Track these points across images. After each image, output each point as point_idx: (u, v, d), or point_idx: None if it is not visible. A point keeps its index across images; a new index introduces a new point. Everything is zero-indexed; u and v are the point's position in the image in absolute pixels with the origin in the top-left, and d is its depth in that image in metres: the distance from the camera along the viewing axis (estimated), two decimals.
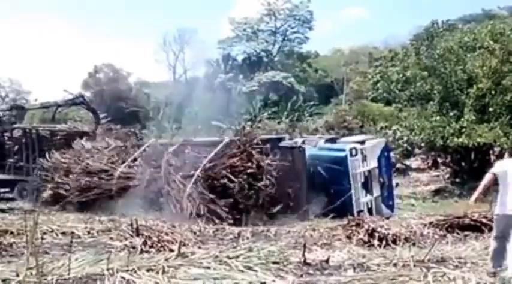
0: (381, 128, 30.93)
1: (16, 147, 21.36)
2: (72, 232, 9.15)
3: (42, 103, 20.25)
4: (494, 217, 7.35)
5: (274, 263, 7.48)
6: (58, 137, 21.36)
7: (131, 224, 9.93)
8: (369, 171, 15.15)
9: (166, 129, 44.64)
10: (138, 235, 9.33)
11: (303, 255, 7.82)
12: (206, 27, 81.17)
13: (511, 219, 6.82)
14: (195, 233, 10.79)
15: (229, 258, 7.46)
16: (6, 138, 21.86)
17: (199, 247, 8.78)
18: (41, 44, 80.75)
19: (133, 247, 8.59)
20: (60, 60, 76.87)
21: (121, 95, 48.36)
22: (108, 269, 6.60)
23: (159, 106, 51.00)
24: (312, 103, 45.68)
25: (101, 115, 41.33)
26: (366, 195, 14.94)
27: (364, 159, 15.09)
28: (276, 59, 54.67)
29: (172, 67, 52.66)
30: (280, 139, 16.26)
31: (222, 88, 50.07)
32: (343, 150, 14.95)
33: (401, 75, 23.42)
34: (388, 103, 33.00)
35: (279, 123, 38.78)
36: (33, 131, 22.09)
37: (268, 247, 8.28)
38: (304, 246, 8.07)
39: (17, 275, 6.45)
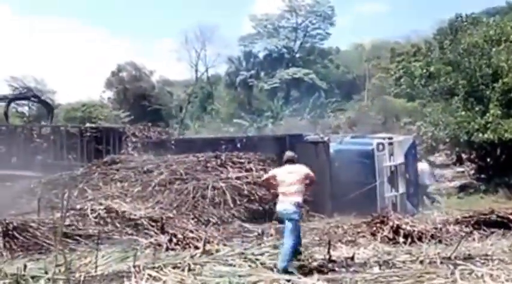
0: (404, 124, 30.68)
1: (45, 145, 21.80)
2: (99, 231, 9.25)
3: None
4: None
5: (298, 260, 7.49)
6: (88, 134, 21.67)
7: (156, 222, 10.04)
8: (396, 167, 15.00)
9: (188, 127, 44.90)
10: (163, 232, 9.43)
11: (328, 252, 7.81)
12: (227, 24, 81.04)
13: None
14: (219, 230, 10.87)
15: (254, 255, 7.49)
16: (35, 135, 22.35)
17: (224, 245, 8.82)
18: (65, 43, 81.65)
19: (159, 245, 8.67)
20: (84, 59, 77.73)
21: (144, 93, 48.66)
22: (134, 267, 6.68)
23: (182, 104, 51.19)
24: (333, 99, 45.45)
25: (124, 114, 41.69)
26: (391, 191, 14.81)
27: (391, 154, 14.97)
28: (297, 55, 54.46)
29: (194, 65, 52.77)
30: (302, 136, 16.28)
31: (243, 85, 50.11)
32: (370, 144, 14.88)
33: (424, 70, 23.09)
34: (411, 98, 32.69)
35: (300, 119, 38.66)
36: (62, 128, 22.62)
37: None
38: (329, 243, 8.06)
39: (46, 273, 6.57)
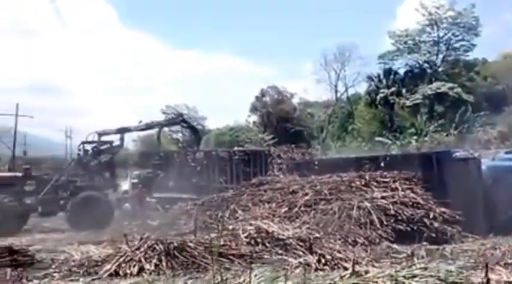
0: None
1: (198, 168, 23.35)
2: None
3: (147, 123, 21.56)
4: None
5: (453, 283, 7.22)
6: (236, 157, 22.80)
7: (304, 242, 10.23)
8: None
9: (330, 147, 45.05)
10: (311, 252, 9.58)
11: (486, 276, 7.44)
12: (365, 43, 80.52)
13: None
14: (366, 251, 10.78)
15: (405, 278, 7.35)
16: (190, 160, 24.02)
17: (373, 266, 8.75)
18: (213, 70, 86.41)
19: (308, 265, 8.82)
20: (230, 85, 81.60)
21: (286, 116, 49.93)
22: None
23: (322, 124, 51.56)
24: (482, 113, 42.93)
25: (269, 136, 43.05)
26: None
27: None
28: (440, 69, 52.38)
29: (334, 85, 53.00)
30: (450, 152, 15.68)
31: (384, 103, 49.24)
32: None
33: None
34: None
35: (447, 135, 37.04)
36: (213, 153, 24.12)
37: (445, 266, 7.98)
38: (486, 266, 7.67)
39: None
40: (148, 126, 21.50)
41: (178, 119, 22.45)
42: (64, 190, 19.30)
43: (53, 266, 9.03)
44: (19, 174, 20.24)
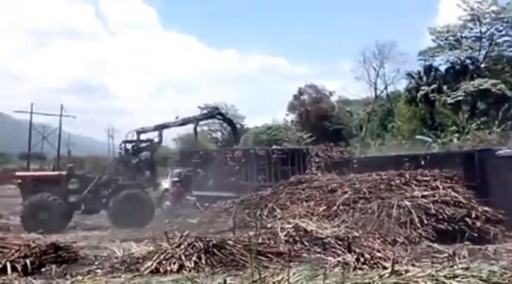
0: None
1: (237, 167, 23.52)
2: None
3: (184, 119, 21.56)
4: None
5: None
6: (274, 156, 22.89)
7: (342, 240, 10.20)
8: None
9: (369, 145, 44.65)
10: (350, 251, 9.55)
11: None
12: (405, 40, 79.42)
13: None
14: (406, 250, 10.67)
15: (446, 278, 7.25)
16: (228, 158, 24.23)
17: (413, 265, 8.66)
18: (251, 70, 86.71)
19: (347, 264, 8.80)
20: (268, 84, 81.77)
21: (324, 114, 49.79)
22: None
23: (361, 123, 51.14)
24: None
25: (307, 135, 42.98)
26: None
27: None
28: (482, 65, 51.14)
29: (373, 83, 52.46)
30: (492, 150, 15.35)
31: (424, 100, 48.44)
32: None
33: None
34: None
35: (489, 133, 36.20)
36: (251, 151, 24.27)
37: (487, 267, 7.82)
38: None
39: None
40: (185, 121, 21.62)
41: (214, 112, 22.43)
42: (106, 188, 19.69)
43: (96, 263, 9.25)
44: (63, 173, 20.78)
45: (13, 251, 8.85)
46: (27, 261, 8.49)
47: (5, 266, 8.29)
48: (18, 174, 23.90)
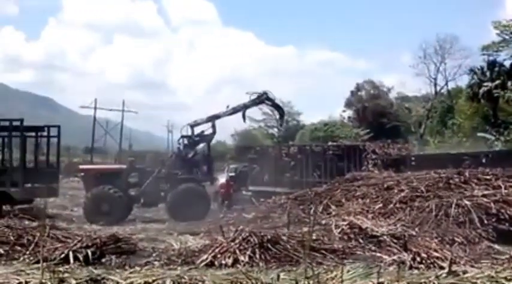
0: None
1: (292, 163, 23.57)
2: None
3: (234, 107, 21.44)
4: None
5: None
6: (330, 152, 22.80)
7: (398, 239, 10.06)
8: None
9: (428, 142, 43.65)
10: (406, 250, 9.42)
11: None
12: (467, 34, 77.04)
13: None
14: (465, 251, 10.42)
15: (506, 280, 7.05)
16: (284, 154, 24.30)
17: (472, 266, 8.45)
18: (308, 65, 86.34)
19: (402, 262, 8.68)
20: (325, 80, 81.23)
21: (382, 111, 49.05)
22: (379, 283, 6.82)
23: (420, 119, 50.02)
24: None
25: (364, 131, 42.41)
26: None
27: None
28: None
29: (433, 79, 51.18)
30: None
31: (487, 97, 46.83)
32: None
33: None
34: None
35: None
36: (307, 148, 24.27)
37: None
38: None
39: (296, 283, 7.10)
40: (236, 110, 21.63)
41: (262, 97, 22.23)
42: (165, 182, 20.13)
43: (154, 255, 9.52)
44: (124, 166, 21.35)
45: (75, 241, 9.23)
46: (89, 251, 8.84)
47: (67, 256, 8.65)
48: (81, 167, 24.73)
